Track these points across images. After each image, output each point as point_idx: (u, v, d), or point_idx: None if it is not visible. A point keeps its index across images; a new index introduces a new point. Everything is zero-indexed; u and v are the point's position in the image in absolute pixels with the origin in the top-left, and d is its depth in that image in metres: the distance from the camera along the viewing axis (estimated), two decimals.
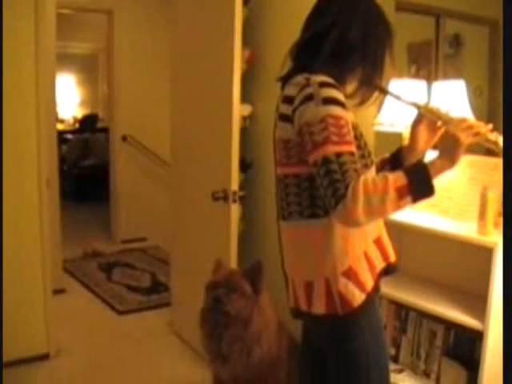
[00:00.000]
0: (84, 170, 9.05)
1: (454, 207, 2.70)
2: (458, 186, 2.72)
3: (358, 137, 1.82)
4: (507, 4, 1.72)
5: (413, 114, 2.33)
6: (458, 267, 2.86)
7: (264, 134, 3.85)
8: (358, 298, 1.81)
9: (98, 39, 10.11)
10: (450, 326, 2.63)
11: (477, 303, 2.56)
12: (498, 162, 2.57)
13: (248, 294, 2.70)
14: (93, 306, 4.89)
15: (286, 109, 1.81)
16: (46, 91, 3.87)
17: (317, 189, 1.77)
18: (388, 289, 2.79)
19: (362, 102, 1.95)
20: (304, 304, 1.90)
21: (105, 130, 8.52)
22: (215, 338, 2.73)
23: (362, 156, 1.81)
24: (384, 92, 2.00)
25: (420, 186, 1.65)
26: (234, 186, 3.37)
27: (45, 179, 3.76)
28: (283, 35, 3.57)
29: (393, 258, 1.99)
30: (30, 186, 3.68)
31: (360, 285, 1.81)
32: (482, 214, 2.43)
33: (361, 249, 1.84)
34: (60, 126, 10.59)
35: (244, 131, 3.83)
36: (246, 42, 3.62)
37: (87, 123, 10.45)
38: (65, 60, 10.35)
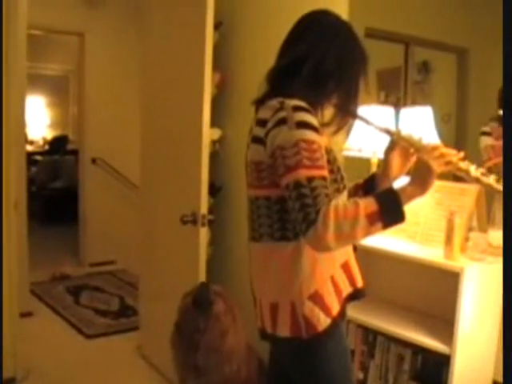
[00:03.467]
0: (53, 192, 8.95)
1: (421, 232, 2.73)
2: (424, 210, 2.75)
3: (332, 161, 1.84)
4: (507, 4, 1.73)
5: (380, 140, 2.36)
6: (425, 292, 2.88)
7: (234, 158, 3.87)
8: (323, 322, 1.82)
9: (69, 61, 10.08)
10: (417, 350, 2.64)
11: (444, 327, 2.59)
12: (465, 187, 2.62)
13: (228, 304, 2.69)
14: (60, 329, 4.82)
15: (259, 131, 1.83)
16: (16, 112, 3.85)
17: (287, 212, 1.79)
18: (356, 313, 2.81)
19: (338, 130, 1.98)
20: (269, 326, 1.90)
21: (75, 152, 8.45)
22: (192, 347, 2.69)
23: (335, 180, 1.83)
24: (359, 119, 2.02)
25: (391, 212, 1.67)
26: (203, 209, 3.35)
27: (13, 201, 3.71)
28: (253, 60, 3.61)
29: (360, 283, 2.00)
30: None
31: (325, 309, 1.82)
32: (449, 239, 2.46)
33: (328, 273, 1.85)
34: (29, 148, 10.48)
35: (214, 155, 3.83)
36: (217, 66, 3.63)
37: (57, 145, 10.35)
38: (35, 81, 10.28)
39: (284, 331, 1.86)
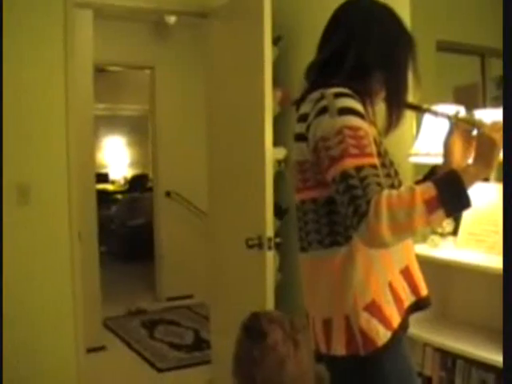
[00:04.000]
0: (132, 229, 8.98)
1: (501, 242, 2.45)
2: None
3: (383, 154, 1.66)
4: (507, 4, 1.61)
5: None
6: None
7: None
8: (382, 335, 1.59)
9: (146, 101, 10.27)
10: (501, 374, 2.35)
11: None
12: None
13: (287, 331, 2.49)
14: (133, 363, 4.76)
15: (300, 127, 1.67)
16: (84, 150, 3.86)
17: (336, 213, 1.62)
18: (432, 335, 2.56)
19: (394, 124, 1.78)
20: (323, 344, 1.70)
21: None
22: (249, 380, 2.51)
23: (388, 175, 1.64)
24: (411, 108, 1.85)
25: (452, 196, 1.46)
26: (269, 232, 3.22)
27: (77, 232, 3.66)
28: None
29: (424, 291, 1.76)
30: (61, 239, 3.59)
31: (385, 320, 1.60)
32: None
33: (385, 280, 1.64)
34: (110, 187, 10.67)
35: (279, 175, 3.68)
36: (279, 82, 3.50)
37: (137, 183, 10.50)
38: (115, 122, 10.52)
39: (339, 349, 1.65)
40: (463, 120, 1.71)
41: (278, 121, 3.53)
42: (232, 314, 3.65)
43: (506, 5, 1.64)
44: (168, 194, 6.58)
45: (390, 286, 1.65)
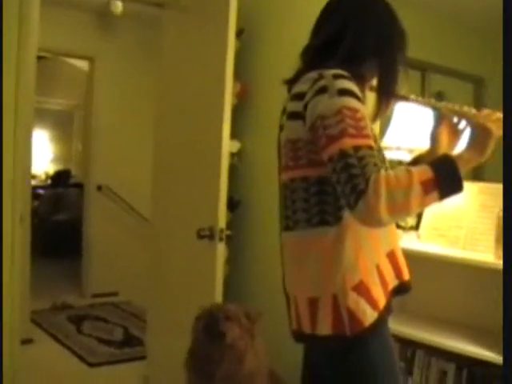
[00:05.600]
0: (55, 224, 8.75)
1: (465, 237, 2.52)
2: (468, 214, 2.54)
3: (374, 141, 1.68)
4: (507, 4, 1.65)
5: (419, 135, 2.20)
6: (471, 300, 2.65)
7: (253, 171, 3.71)
8: (369, 316, 1.61)
9: (75, 96, 10.02)
10: (461, 364, 2.41)
11: (492, 339, 2.36)
12: None
13: (245, 326, 2.47)
14: (62, 357, 4.60)
15: (295, 106, 1.67)
16: (24, 146, 3.72)
17: (327, 194, 1.63)
18: (393, 325, 2.58)
19: (383, 112, 1.83)
20: (307, 324, 1.69)
21: (78, 186, 8.31)
22: (207, 376, 2.47)
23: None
24: (403, 98, 1.87)
25: (448, 179, 1.50)
26: (221, 223, 3.18)
27: (19, 214, 3.52)
28: (277, 69, 3.46)
29: (407, 276, 1.80)
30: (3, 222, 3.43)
31: (372, 302, 1.62)
32: (500, 238, 2.26)
33: (373, 262, 1.66)
34: (32, 182, 10.34)
35: (232, 169, 3.66)
36: (238, 75, 3.49)
37: (59, 179, 10.22)
38: (39, 115, 10.20)
39: (325, 329, 1.65)
40: (453, 111, 1.75)
41: (234, 114, 3.53)
42: (176, 308, 3.62)
43: (505, 5, 1.67)
44: (99, 188, 6.43)
45: (378, 268, 1.67)
